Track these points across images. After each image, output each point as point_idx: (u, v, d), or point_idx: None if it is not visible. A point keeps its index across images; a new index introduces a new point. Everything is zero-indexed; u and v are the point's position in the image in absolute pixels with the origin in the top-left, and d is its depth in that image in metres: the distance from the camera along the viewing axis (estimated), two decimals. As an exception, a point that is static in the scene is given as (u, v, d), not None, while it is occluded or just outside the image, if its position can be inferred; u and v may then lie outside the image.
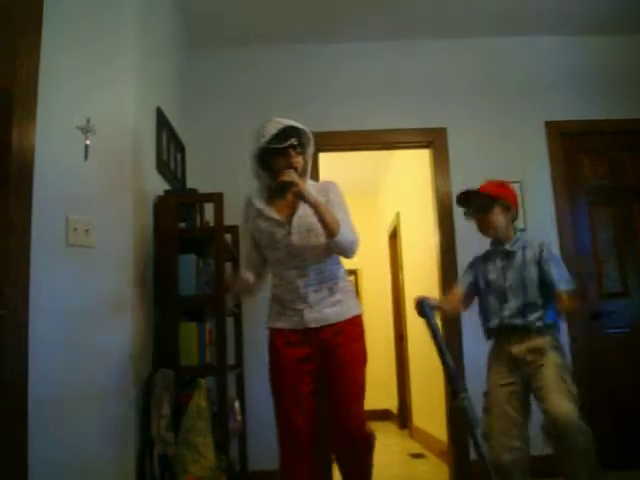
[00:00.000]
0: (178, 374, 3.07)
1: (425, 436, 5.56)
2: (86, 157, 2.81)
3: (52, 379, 2.60)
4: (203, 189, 3.72)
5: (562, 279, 2.74)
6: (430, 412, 5.05)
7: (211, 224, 3.47)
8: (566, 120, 4.49)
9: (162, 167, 3.50)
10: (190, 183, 4.15)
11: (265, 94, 4.55)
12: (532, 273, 2.80)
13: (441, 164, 4.48)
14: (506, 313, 2.81)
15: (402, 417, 7.24)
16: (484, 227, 2.93)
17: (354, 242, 2.66)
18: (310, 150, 2.77)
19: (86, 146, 2.81)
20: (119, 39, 3.04)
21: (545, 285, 2.77)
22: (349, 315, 2.70)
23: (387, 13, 4.29)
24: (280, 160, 2.66)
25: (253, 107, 4.51)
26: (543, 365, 2.68)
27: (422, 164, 4.91)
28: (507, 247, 2.89)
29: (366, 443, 2.67)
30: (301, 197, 2.59)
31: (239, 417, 3.80)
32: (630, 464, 3.90)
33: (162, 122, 3.54)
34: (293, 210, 2.72)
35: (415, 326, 5.56)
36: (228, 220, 3.57)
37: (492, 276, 2.91)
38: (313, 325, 2.67)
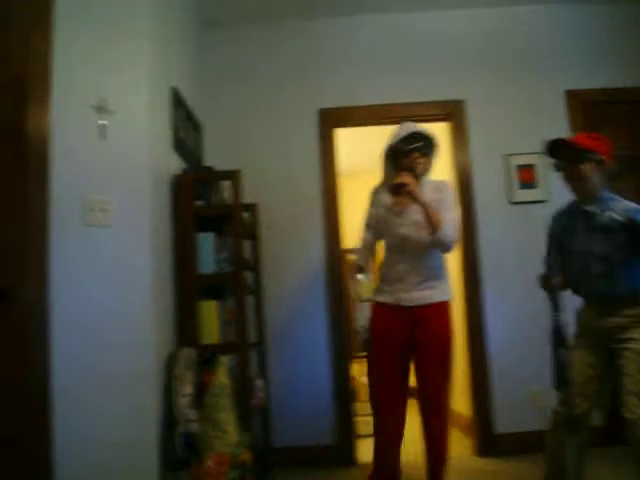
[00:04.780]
0: (199, 352, 3.09)
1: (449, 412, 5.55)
2: (102, 137, 2.81)
3: (73, 360, 2.62)
4: (220, 167, 3.72)
5: None
6: (454, 388, 5.03)
7: (229, 202, 3.46)
8: (587, 89, 4.40)
9: (179, 146, 3.49)
10: (207, 162, 4.13)
11: (281, 71, 4.52)
12: (618, 239, 2.57)
13: (460, 137, 4.42)
14: (591, 280, 2.66)
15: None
16: (571, 179, 2.69)
17: (452, 241, 3.05)
18: (434, 153, 3.20)
19: (102, 126, 2.81)
20: (133, 19, 3.01)
21: (636, 252, 2.57)
22: (437, 300, 3.09)
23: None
24: (405, 160, 3.11)
25: (269, 85, 4.50)
26: (627, 349, 2.54)
27: (438, 135, 4.85)
28: (589, 208, 2.66)
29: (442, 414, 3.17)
30: (411, 197, 2.99)
31: (262, 394, 3.82)
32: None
33: (178, 101, 3.52)
34: (407, 205, 3.11)
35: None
36: (245, 198, 3.57)
37: (576, 240, 2.71)
38: (405, 304, 3.11)
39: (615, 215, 2.59)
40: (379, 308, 3.23)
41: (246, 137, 4.44)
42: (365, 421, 5.53)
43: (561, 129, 4.34)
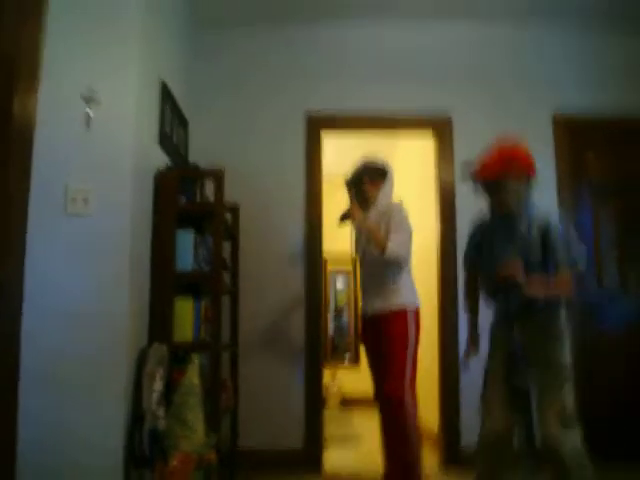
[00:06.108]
0: (172, 349, 3.06)
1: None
2: (88, 126, 2.79)
3: (45, 349, 2.61)
4: (205, 166, 3.70)
5: (565, 261, 2.57)
6: (423, 399, 5.06)
7: (211, 201, 3.44)
8: (574, 113, 4.45)
9: (164, 141, 3.47)
10: (192, 159, 4.12)
11: (269, 73, 4.53)
12: (535, 252, 2.61)
13: (445, 152, 4.44)
14: (504, 286, 2.66)
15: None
16: (496, 208, 2.77)
17: (399, 257, 3.35)
18: (380, 179, 3.65)
19: (88, 115, 2.78)
20: (124, 11, 2.99)
21: (552, 266, 2.60)
22: (388, 310, 3.43)
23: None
24: (358, 189, 3.63)
25: (257, 86, 4.50)
26: (543, 365, 2.58)
27: (425, 152, 4.88)
28: (512, 222, 2.69)
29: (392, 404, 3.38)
30: (357, 224, 3.58)
31: (231, 395, 3.80)
32: (627, 456, 3.94)
33: (166, 96, 3.50)
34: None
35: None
36: (229, 198, 3.55)
37: (494, 243, 2.75)
38: (368, 312, 3.58)
39: (534, 225, 2.64)
40: (360, 319, 3.77)
41: (232, 137, 4.42)
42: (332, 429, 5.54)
43: (547, 149, 4.38)
